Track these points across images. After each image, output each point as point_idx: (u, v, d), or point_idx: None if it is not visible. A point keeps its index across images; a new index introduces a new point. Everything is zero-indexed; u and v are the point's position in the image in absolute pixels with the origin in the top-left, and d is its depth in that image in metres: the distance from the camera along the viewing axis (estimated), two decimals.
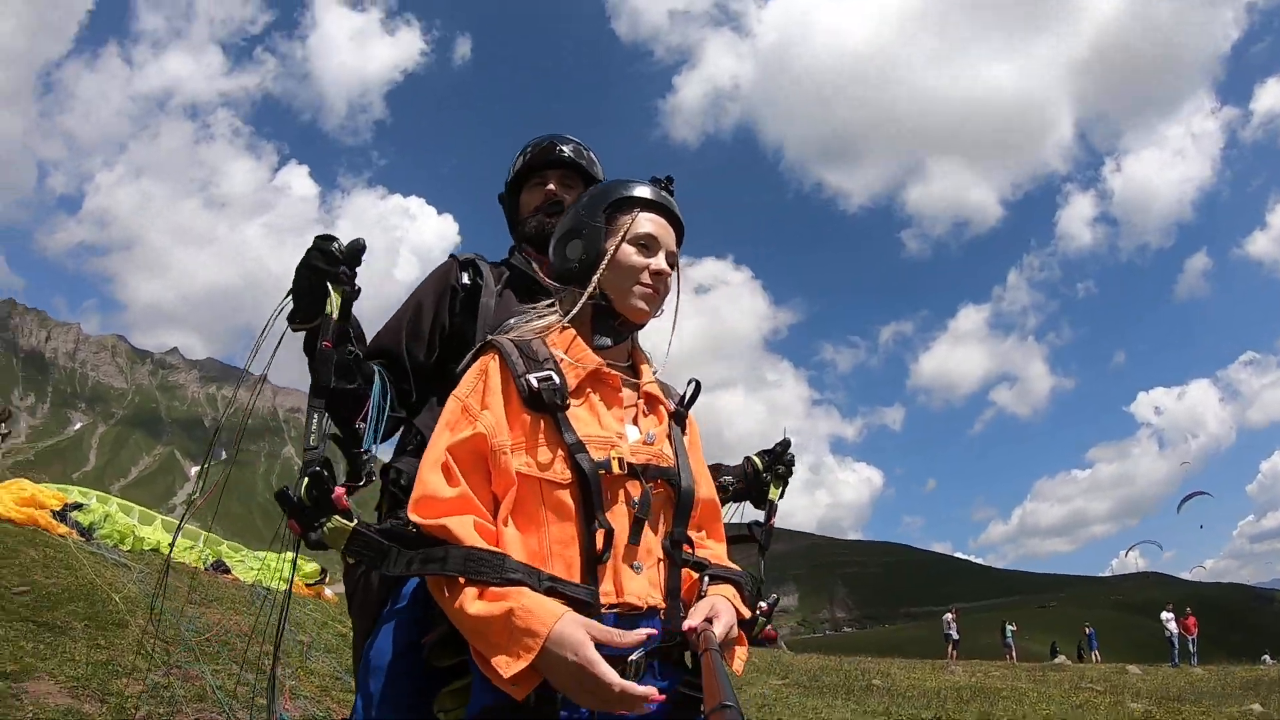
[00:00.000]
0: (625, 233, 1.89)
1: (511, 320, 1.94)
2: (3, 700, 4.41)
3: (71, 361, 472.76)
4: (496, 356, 1.74)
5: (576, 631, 1.43)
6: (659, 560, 1.67)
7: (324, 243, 1.85)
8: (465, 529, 1.54)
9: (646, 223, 1.90)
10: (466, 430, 1.64)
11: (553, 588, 1.52)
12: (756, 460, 2.59)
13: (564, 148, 2.54)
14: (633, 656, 1.54)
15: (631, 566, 1.62)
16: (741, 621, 1.78)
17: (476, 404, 1.69)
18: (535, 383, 1.67)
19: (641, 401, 1.83)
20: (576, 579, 1.57)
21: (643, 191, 1.93)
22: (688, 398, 1.93)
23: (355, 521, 1.58)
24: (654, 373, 1.95)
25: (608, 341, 1.88)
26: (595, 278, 1.86)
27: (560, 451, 1.63)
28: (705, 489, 1.87)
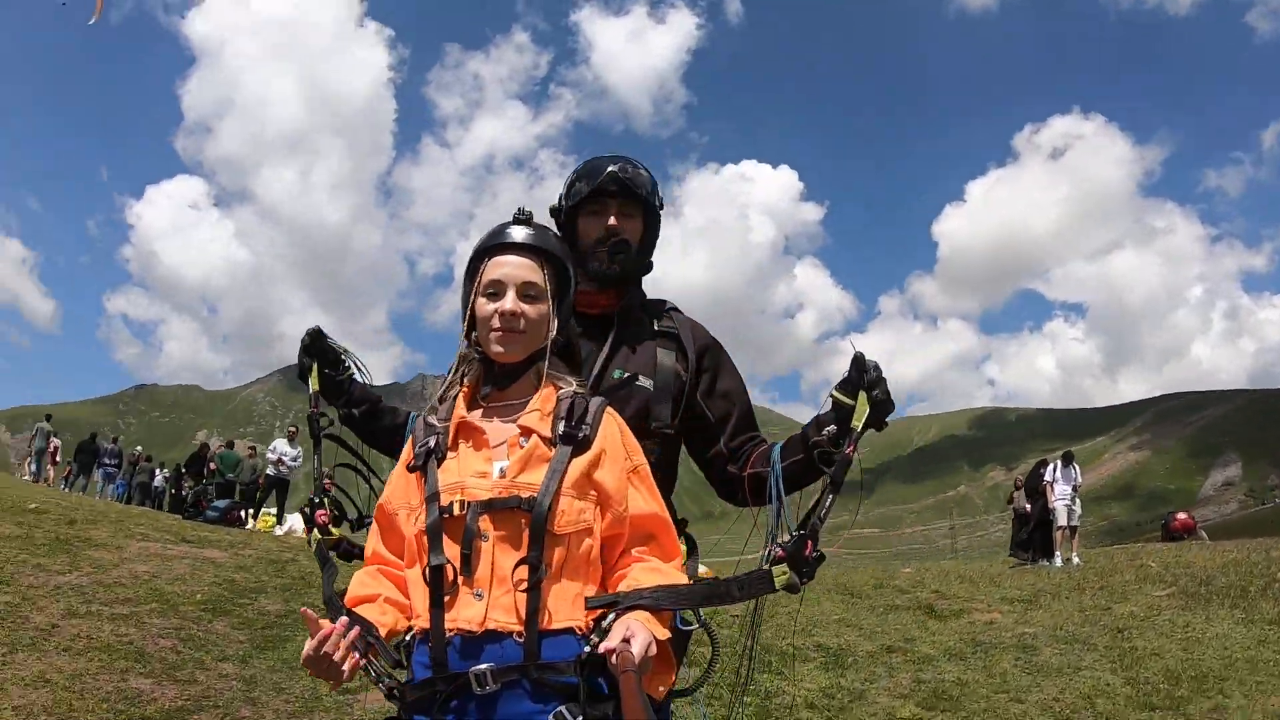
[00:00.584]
0: (476, 289, 2.01)
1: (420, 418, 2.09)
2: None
3: None
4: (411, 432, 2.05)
5: None
6: (514, 586, 1.72)
7: (304, 338, 2.42)
8: (357, 580, 1.93)
9: (491, 269, 1.99)
10: (383, 499, 1.97)
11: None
12: (839, 396, 2.13)
13: (623, 177, 2.42)
14: (478, 667, 1.67)
15: (474, 594, 1.73)
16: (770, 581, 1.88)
17: (393, 476, 2.00)
18: (415, 449, 1.92)
19: (519, 436, 1.88)
20: (426, 612, 1.74)
21: (491, 240, 2.04)
22: (589, 416, 1.90)
23: (317, 540, 2.18)
24: (567, 394, 1.95)
25: (488, 389, 2.01)
26: (470, 336, 2.03)
27: (422, 504, 1.81)
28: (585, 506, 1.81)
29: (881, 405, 2.09)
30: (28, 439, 29.09)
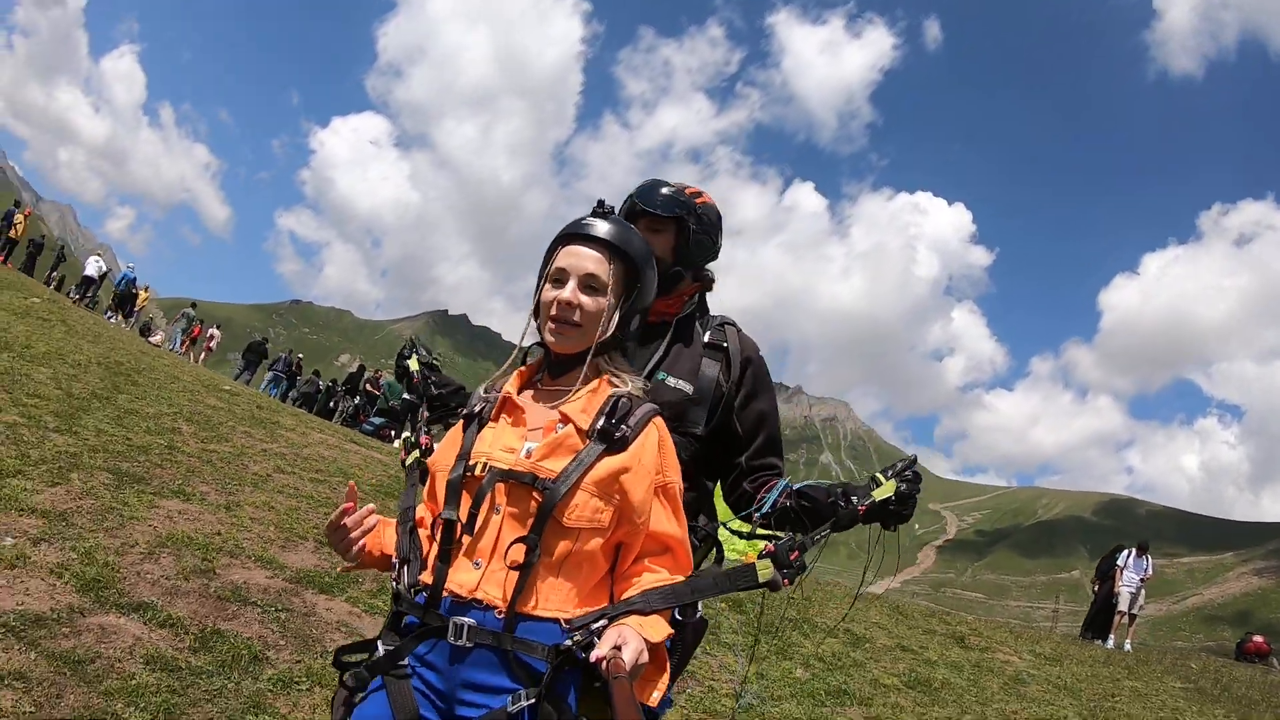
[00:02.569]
0: (545, 275, 2.03)
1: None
2: None
3: None
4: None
5: None
6: (510, 565, 1.75)
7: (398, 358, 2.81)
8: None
9: (561, 257, 2.01)
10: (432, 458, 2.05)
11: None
12: (878, 475, 2.32)
13: (641, 200, 2.56)
14: (460, 619, 1.73)
15: (472, 563, 1.79)
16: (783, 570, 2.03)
17: (445, 438, 2.08)
18: (463, 414, 2.03)
19: (556, 421, 1.90)
20: (430, 563, 1.85)
21: (567, 229, 2.06)
22: (633, 420, 1.89)
23: (414, 459, 2.23)
24: (619, 394, 1.93)
25: (542, 375, 2.06)
26: (533, 324, 2.05)
27: (453, 462, 1.89)
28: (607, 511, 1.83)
29: (904, 499, 2.23)
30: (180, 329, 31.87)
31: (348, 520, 1.87)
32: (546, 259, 2.07)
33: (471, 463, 1.85)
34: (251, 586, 4.90)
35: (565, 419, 1.90)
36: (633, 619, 1.75)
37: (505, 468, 1.82)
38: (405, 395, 2.76)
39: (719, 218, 2.67)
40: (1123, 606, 15.80)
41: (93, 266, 30.59)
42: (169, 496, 6.10)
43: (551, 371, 2.04)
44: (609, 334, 2.00)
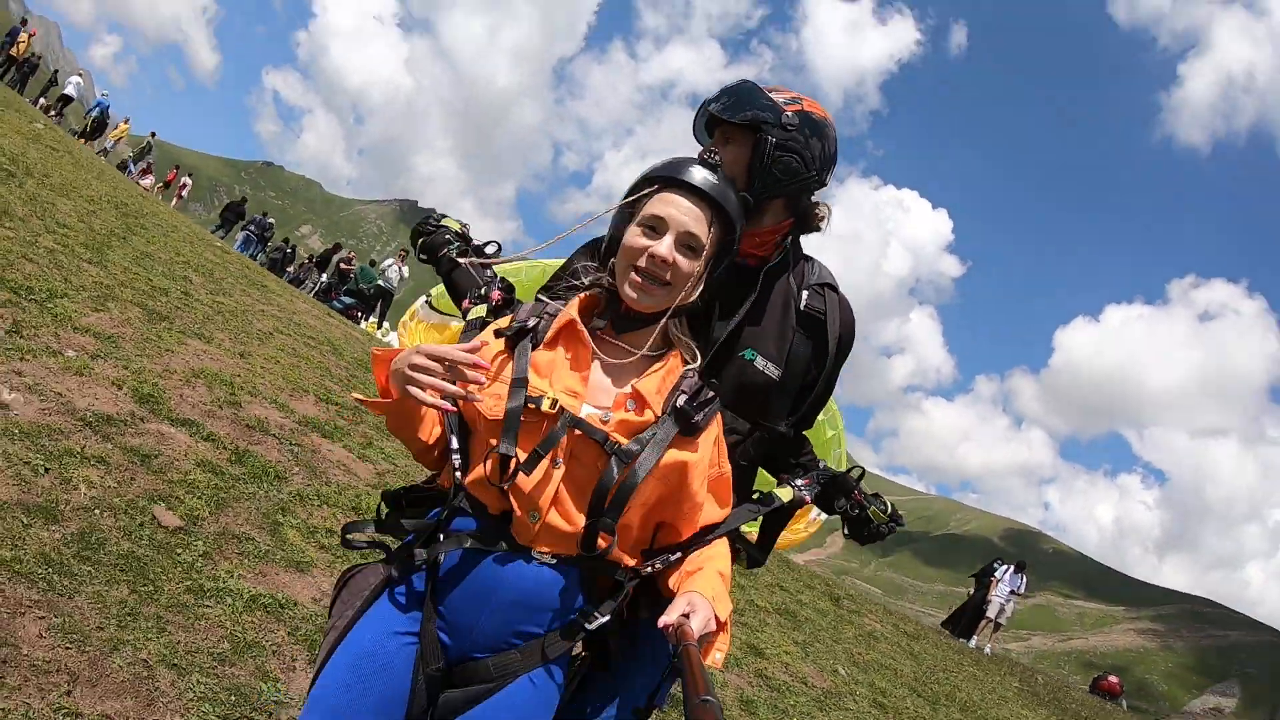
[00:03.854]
0: (633, 215, 1.88)
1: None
2: None
3: None
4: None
5: None
6: (571, 533, 1.72)
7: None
8: None
9: (660, 203, 1.85)
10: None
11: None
12: (877, 510, 2.58)
13: (712, 105, 2.23)
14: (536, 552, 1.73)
15: (528, 514, 1.72)
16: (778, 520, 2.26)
17: (474, 331, 2.00)
18: (514, 319, 1.85)
19: (628, 398, 1.79)
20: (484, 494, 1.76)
21: (669, 171, 1.89)
22: (708, 408, 1.79)
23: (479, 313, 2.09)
24: (693, 375, 1.83)
25: (601, 323, 1.90)
26: (608, 261, 1.92)
27: (508, 385, 1.75)
28: (683, 496, 1.81)
29: (877, 534, 2.58)
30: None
31: (467, 361, 1.67)
32: (634, 193, 1.92)
33: (534, 394, 1.73)
34: (270, 422, 5.86)
35: (639, 398, 1.80)
36: (709, 589, 1.72)
37: (581, 417, 1.74)
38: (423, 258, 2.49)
39: (822, 133, 2.20)
40: (991, 613, 17.17)
41: (72, 87, 31.55)
42: (192, 337, 6.96)
43: (617, 324, 1.90)
44: (693, 298, 1.88)
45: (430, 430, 1.87)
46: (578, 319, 1.86)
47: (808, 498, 2.29)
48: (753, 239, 2.15)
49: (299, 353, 8.32)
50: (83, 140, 29.30)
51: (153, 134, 34.40)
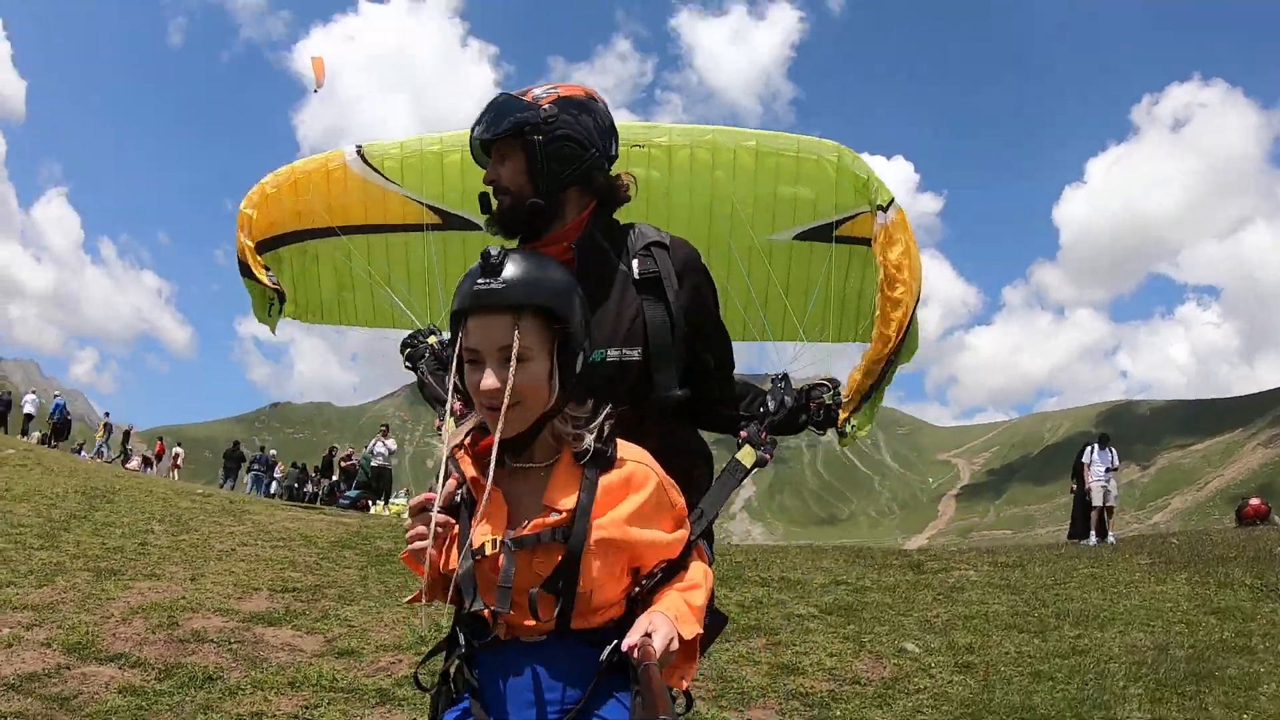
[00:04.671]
0: (459, 354, 1.87)
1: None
2: None
3: None
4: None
5: None
6: (538, 622, 1.80)
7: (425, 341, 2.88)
8: None
9: (467, 335, 1.82)
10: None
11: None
12: (832, 389, 2.77)
13: (473, 132, 2.21)
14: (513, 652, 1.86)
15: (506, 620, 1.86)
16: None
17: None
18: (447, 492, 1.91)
19: (545, 514, 1.82)
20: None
21: (457, 303, 1.85)
22: (598, 490, 1.83)
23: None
24: (583, 445, 1.85)
25: (510, 454, 1.89)
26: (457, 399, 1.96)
27: (455, 551, 1.88)
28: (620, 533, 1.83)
29: (833, 409, 2.74)
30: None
31: (436, 515, 1.83)
32: (454, 327, 1.88)
33: (475, 548, 1.83)
34: (209, 629, 5.90)
35: (551, 509, 1.83)
36: (670, 610, 1.78)
37: (520, 535, 1.82)
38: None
39: (586, 109, 2.18)
40: (1096, 501, 16.18)
41: (29, 404, 35.15)
42: (142, 580, 7.08)
43: (513, 446, 1.88)
44: (554, 399, 1.84)
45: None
46: (482, 478, 1.87)
47: (769, 455, 2.36)
48: (561, 238, 2.16)
49: (260, 556, 8.40)
50: (49, 443, 30.57)
51: (106, 413, 36.36)
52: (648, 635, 1.66)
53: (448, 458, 1.99)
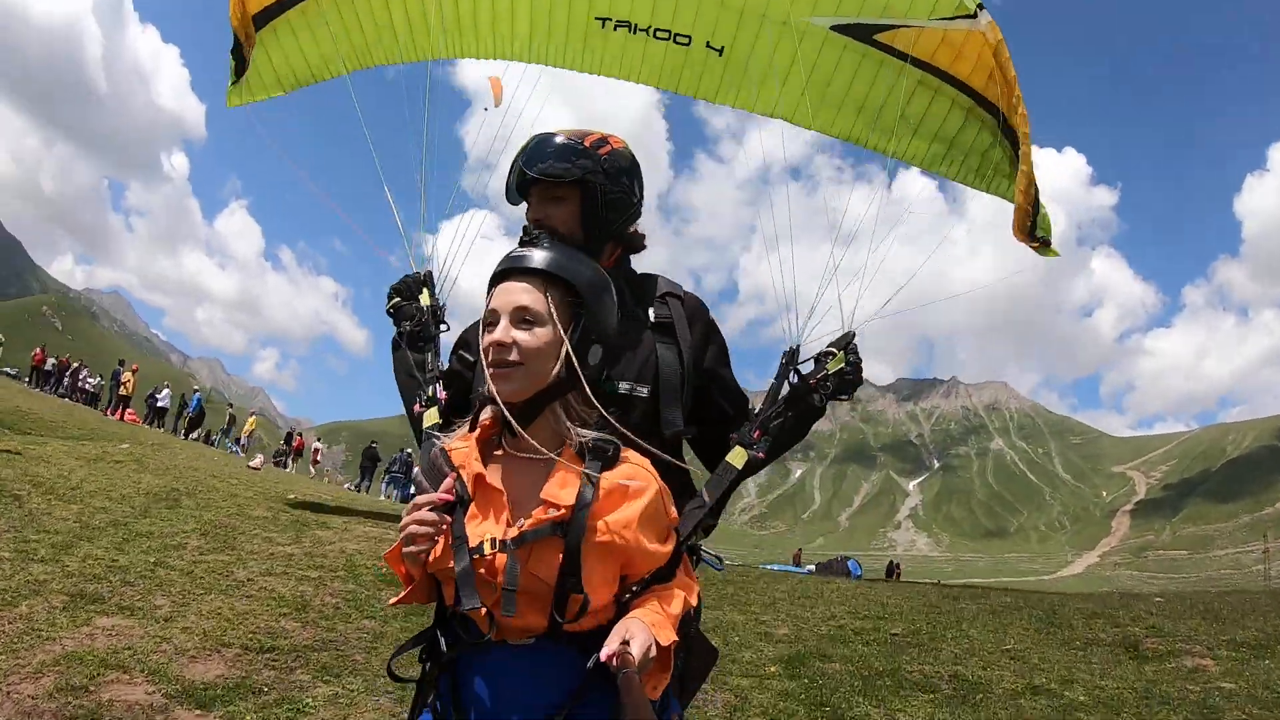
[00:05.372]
0: (483, 321, 1.90)
1: (444, 439, 2.03)
2: None
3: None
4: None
5: None
6: (539, 617, 1.80)
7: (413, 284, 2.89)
8: None
9: (491, 298, 1.90)
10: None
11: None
12: (832, 350, 2.66)
13: (527, 167, 2.29)
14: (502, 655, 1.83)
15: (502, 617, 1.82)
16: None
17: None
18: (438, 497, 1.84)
19: (544, 509, 1.81)
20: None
21: (494, 269, 1.95)
22: (600, 491, 1.82)
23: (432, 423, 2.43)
24: (578, 443, 1.87)
25: (506, 437, 1.93)
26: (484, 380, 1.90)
27: (447, 548, 1.81)
28: (620, 538, 1.83)
29: (856, 367, 2.64)
30: (342, 450, 34.85)
31: (429, 516, 1.80)
32: (486, 302, 1.95)
33: (474, 545, 1.80)
34: (120, 702, 4.57)
35: (550, 504, 1.82)
36: (647, 617, 1.79)
37: (515, 535, 1.79)
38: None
39: (633, 163, 2.35)
40: None
41: (163, 399, 36.22)
42: (112, 613, 5.92)
43: (510, 430, 1.91)
44: (559, 372, 1.87)
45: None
46: (483, 471, 1.89)
47: (761, 454, 2.39)
48: None
49: (274, 593, 7.09)
50: (186, 435, 31.16)
51: (229, 403, 37.39)
52: (625, 643, 1.68)
53: (439, 451, 1.96)
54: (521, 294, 1.86)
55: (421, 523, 1.79)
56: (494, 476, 1.89)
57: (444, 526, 1.80)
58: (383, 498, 27.98)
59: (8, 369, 42.29)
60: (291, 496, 13.99)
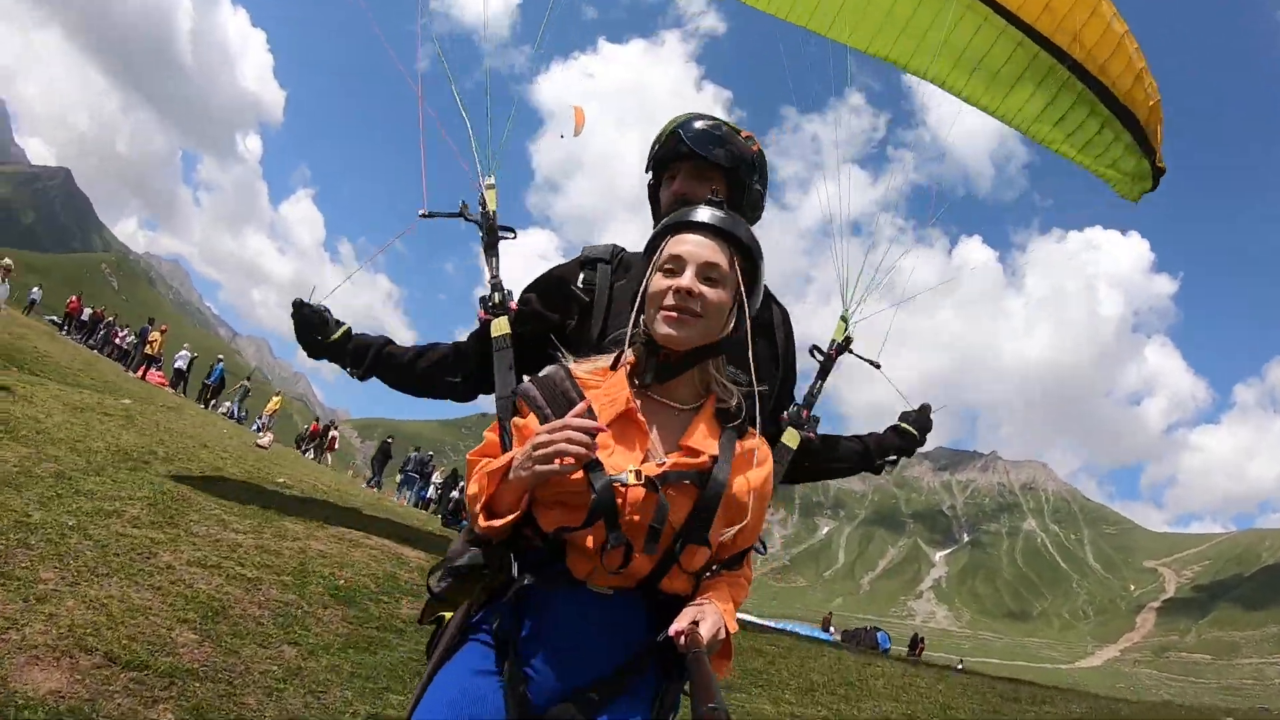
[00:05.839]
0: (653, 265, 1.95)
1: (570, 364, 2.01)
2: None
3: None
4: (526, 409, 1.94)
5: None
6: (638, 571, 1.82)
7: (292, 315, 2.89)
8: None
9: (674, 244, 1.93)
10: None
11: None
12: (904, 425, 3.08)
13: (686, 137, 2.35)
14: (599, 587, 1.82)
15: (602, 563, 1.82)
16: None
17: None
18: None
19: (682, 455, 1.85)
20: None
21: (677, 217, 1.98)
22: (753, 413, 1.95)
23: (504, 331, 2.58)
24: (737, 415, 1.95)
25: (648, 379, 1.94)
26: (639, 317, 1.96)
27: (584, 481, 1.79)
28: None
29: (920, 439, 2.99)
30: (375, 446, 34.48)
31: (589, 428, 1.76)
32: (650, 249, 2.01)
33: (615, 473, 1.79)
34: None
35: (691, 450, 1.88)
36: (720, 601, 1.85)
37: (668, 470, 1.82)
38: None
39: (767, 169, 2.47)
40: None
41: (182, 361, 35.63)
42: None
43: (658, 374, 1.94)
44: (727, 332, 1.95)
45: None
46: (634, 402, 1.91)
47: (812, 434, 2.56)
48: None
49: (195, 588, 5.76)
50: (207, 404, 30.53)
51: (249, 376, 37.93)
52: (694, 623, 1.70)
53: (564, 374, 1.94)
54: (709, 251, 1.92)
55: (572, 441, 1.72)
56: (640, 414, 1.90)
57: (595, 450, 1.75)
58: (395, 499, 26.79)
59: (54, 317, 42.14)
60: (281, 480, 12.84)
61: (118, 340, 37.60)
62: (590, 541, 1.77)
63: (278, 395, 36.54)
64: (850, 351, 3.01)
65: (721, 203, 2.01)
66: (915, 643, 38.86)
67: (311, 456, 31.29)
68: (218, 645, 5.00)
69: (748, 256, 1.96)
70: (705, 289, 1.88)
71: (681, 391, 1.95)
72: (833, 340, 2.96)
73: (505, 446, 1.98)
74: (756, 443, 1.97)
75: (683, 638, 1.65)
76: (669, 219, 1.99)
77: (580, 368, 1.98)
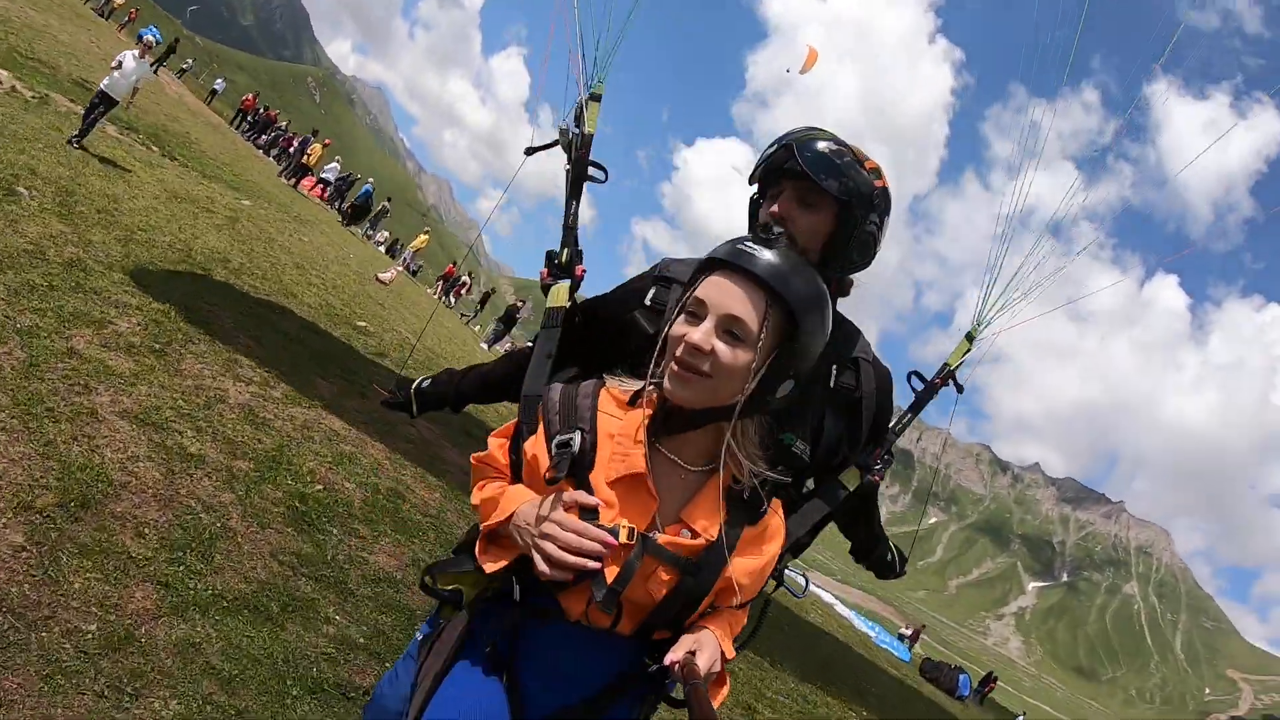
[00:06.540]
0: (682, 303, 1.72)
1: (608, 381, 1.83)
2: None
3: (937, 462, 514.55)
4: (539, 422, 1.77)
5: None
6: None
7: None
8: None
9: (705, 287, 1.67)
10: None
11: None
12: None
13: (801, 155, 2.00)
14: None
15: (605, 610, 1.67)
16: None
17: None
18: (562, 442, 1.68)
19: (680, 527, 1.68)
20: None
21: (719, 252, 1.71)
22: (762, 492, 1.73)
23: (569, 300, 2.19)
24: (752, 474, 1.70)
25: (660, 429, 1.73)
26: (661, 362, 1.72)
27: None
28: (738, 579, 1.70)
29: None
30: (529, 308, 35.43)
31: (603, 541, 1.61)
32: (689, 284, 1.74)
33: (609, 523, 1.64)
34: None
35: (691, 530, 1.70)
36: (713, 628, 1.73)
37: (658, 543, 1.67)
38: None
39: (888, 209, 2.11)
40: None
41: (330, 172, 35.27)
42: None
43: (668, 425, 1.73)
44: (744, 396, 1.66)
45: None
46: (648, 471, 1.70)
47: (877, 478, 2.21)
48: None
49: (118, 444, 4.57)
50: (345, 220, 31.84)
51: (371, 181, 36.83)
52: (691, 653, 1.62)
53: (590, 395, 1.79)
54: (738, 302, 1.63)
55: (580, 553, 1.59)
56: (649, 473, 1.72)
57: (615, 548, 1.61)
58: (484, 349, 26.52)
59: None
60: (362, 324, 11.79)
61: (289, 147, 37.87)
62: (580, 598, 1.66)
63: (425, 233, 36.85)
64: (953, 380, 2.51)
65: (779, 241, 1.68)
66: (987, 680, 36.62)
67: (445, 300, 32.53)
68: (42, 559, 3.49)
69: (789, 313, 1.64)
70: (721, 345, 1.62)
71: (688, 451, 1.73)
72: (945, 365, 2.53)
73: (516, 458, 1.81)
74: (769, 522, 1.78)
75: (679, 668, 1.56)
76: (713, 250, 1.73)
77: (617, 385, 1.81)
